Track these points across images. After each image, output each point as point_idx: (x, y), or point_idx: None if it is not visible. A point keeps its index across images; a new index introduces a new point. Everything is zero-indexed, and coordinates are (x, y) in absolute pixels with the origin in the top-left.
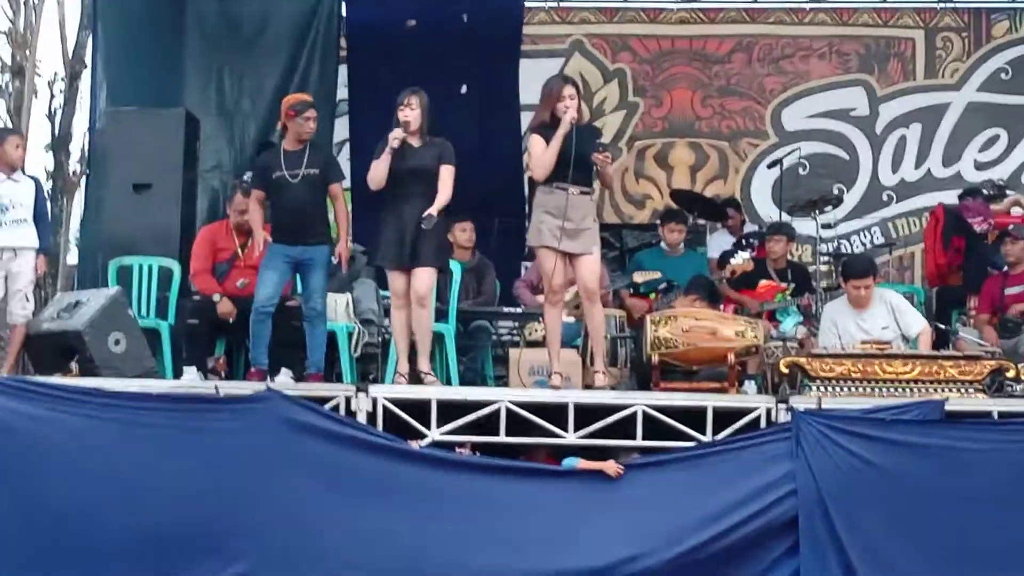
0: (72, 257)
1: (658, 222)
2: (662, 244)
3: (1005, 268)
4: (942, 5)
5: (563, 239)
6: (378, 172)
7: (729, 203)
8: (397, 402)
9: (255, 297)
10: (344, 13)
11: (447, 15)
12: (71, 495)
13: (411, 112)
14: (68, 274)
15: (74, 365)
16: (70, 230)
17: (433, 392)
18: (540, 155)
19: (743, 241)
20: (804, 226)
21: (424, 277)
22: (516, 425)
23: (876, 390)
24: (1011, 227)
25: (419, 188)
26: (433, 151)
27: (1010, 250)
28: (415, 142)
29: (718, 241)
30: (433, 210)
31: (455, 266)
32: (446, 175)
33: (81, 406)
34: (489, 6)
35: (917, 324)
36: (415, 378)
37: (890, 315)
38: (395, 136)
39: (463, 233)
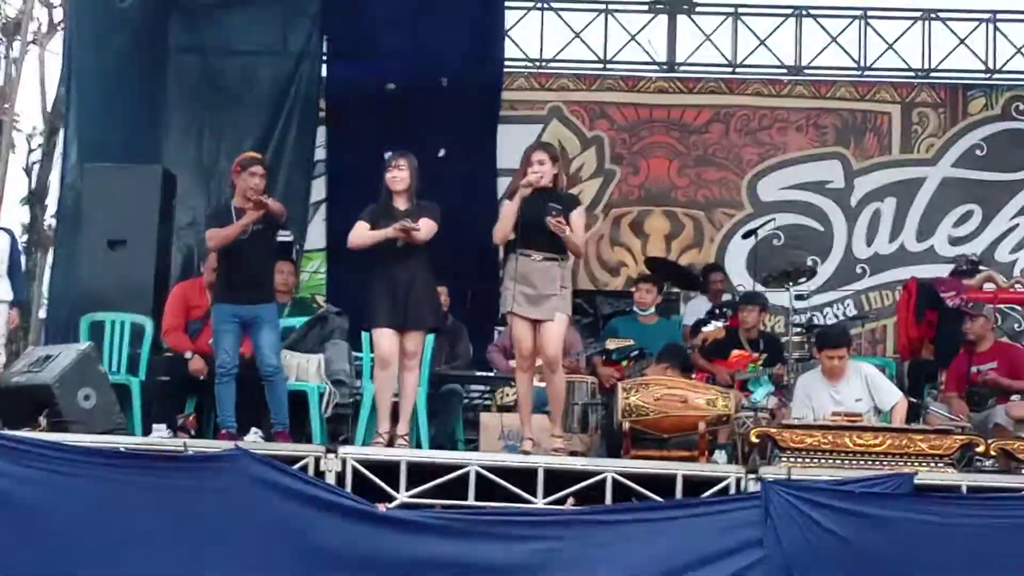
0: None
1: (632, 289)
2: (635, 309)
3: (970, 340)
4: (919, 80)
5: (525, 305)
6: (362, 239)
7: (714, 268)
8: (366, 463)
9: (215, 361)
10: (324, 74)
11: (426, 79)
12: (37, 550)
13: (399, 172)
14: (40, 328)
15: (43, 419)
16: (44, 284)
17: (403, 454)
18: (500, 218)
19: (716, 310)
20: (777, 297)
21: (416, 339)
22: (485, 489)
23: (846, 462)
24: (970, 305)
25: (408, 249)
26: (421, 213)
27: (971, 328)
28: (402, 204)
29: (696, 307)
30: (411, 225)
31: None
32: (426, 225)
33: (49, 461)
34: (469, 71)
35: (893, 397)
36: (391, 442)
37: (865, 387)
38: (400, 229)
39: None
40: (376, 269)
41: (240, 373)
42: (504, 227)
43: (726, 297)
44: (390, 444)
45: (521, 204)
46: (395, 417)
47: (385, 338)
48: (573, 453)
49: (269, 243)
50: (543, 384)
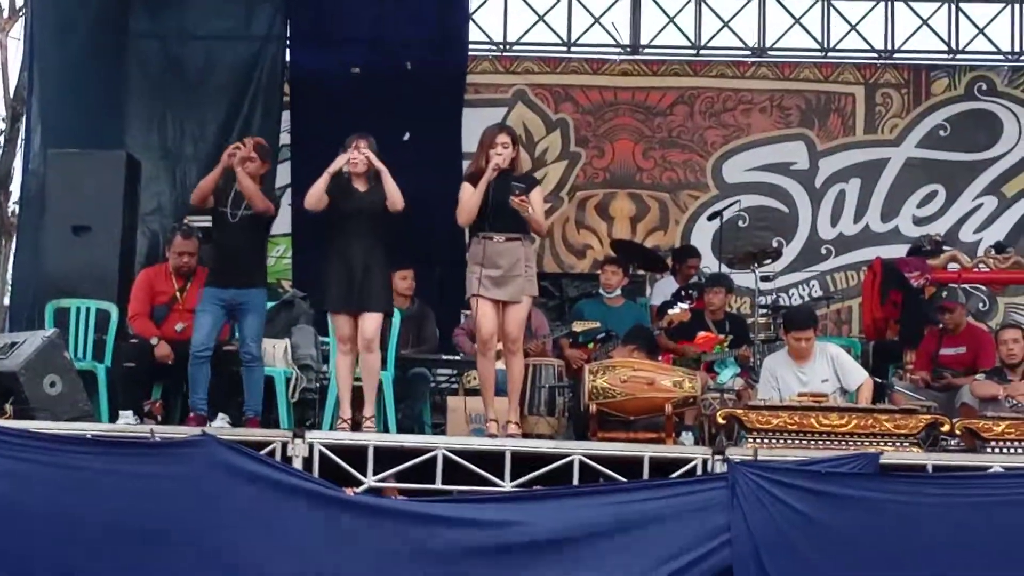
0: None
1: (598, 272)
2: (601, 291)
3: (942, 326)
4: (882, 61)
5: (491, 287)
6: (313, 192)
7: (691, 252)
8: (334, 448)
9: (191, 341)
10: (288, 59)
11: (391, 63)
12: (2, 537)
13: (358, 155)
14: (4, 314)
15: (9, 407)
16: (8, 271)
17: (370, 439)
18: (464, 202)
19: (682, 292)
20: (743, 278)
21: (372, 322)
22: (453, 472)
23: (812, 442)
24: (944, 295)
25: (364, 230)
26: (379, 194)
27: (949, 319)
28: (361, 186)
29: (663, 288)
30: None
31: (395, 313)
32: (398, 191)
33: (14, 448)
34: (433, 54)
35: (859, 377)
36: (357, 424)
37: (831, 368)
38: (339, 163)
39: (403, 281)
40: (330, 251)
41: (211, 357)
42: (470, 210)
43: (692, 279)
44: (356, 428)
45: (486, 188)
46: (360, 402)
47: (342, 322)
48: (540, 436)
49: (258, 229)
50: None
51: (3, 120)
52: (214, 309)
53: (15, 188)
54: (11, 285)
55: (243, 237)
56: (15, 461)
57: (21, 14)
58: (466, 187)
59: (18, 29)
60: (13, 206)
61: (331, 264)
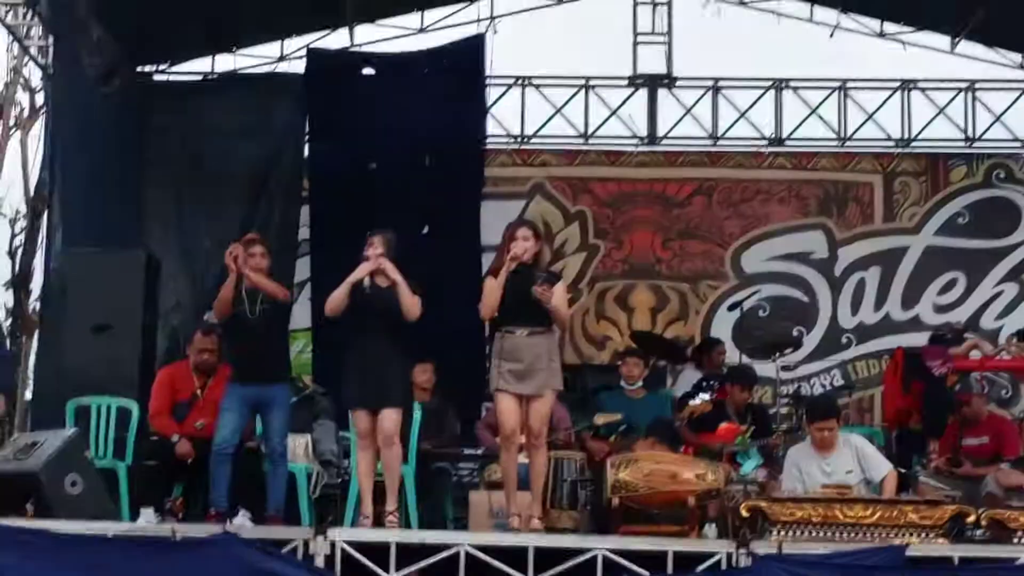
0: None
1: (619, 363)
2: (622, 383)
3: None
4: (900, 150)
5: (513, 382)
6: (336, 298)
7: (715, 341)
8: (356, 545)
9: (214, 438)
10: (307, 154)
11: (409, 157)
12: None
13: (372, 252)
14: (26, 412)
15: (30, 507)
16: (29, 368)
17: (392, 535)
18: (486, 295)
19: (703, 382)
20: (764, 368)
21: (390, 417)
22: (476, 568)
23: (837, 534)
24: (957, 387)
25: (382, 326)
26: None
27: (967, 411)
28: (382, 282)
29: (688, 378)
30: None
31: (415, 407)
32: (414, 300)
33: (36, 549)
34: (451, 149)
35: (883, 468)
36: (379, 519)
37: (855, 459)
38: (363, 269)
39: (423, 374)
40: (349, 347)
41: (233, 455)
42: (490, 303)
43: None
44: (378, 523)
45: (506, 280)
46: (382, 496)
47: (361, 418)
48: (563, 530)
49: (278, 322)
50: (527, 460)
51: (24, 218)
52: (239, 407)
53: (35, 285)
54: (33, 383)
55: (263, 331)
56: (37, 561)
57: (41, 113)
58: (489, 281)
59: (38, 127)
60: (34, 303)
61: (349, 360)
